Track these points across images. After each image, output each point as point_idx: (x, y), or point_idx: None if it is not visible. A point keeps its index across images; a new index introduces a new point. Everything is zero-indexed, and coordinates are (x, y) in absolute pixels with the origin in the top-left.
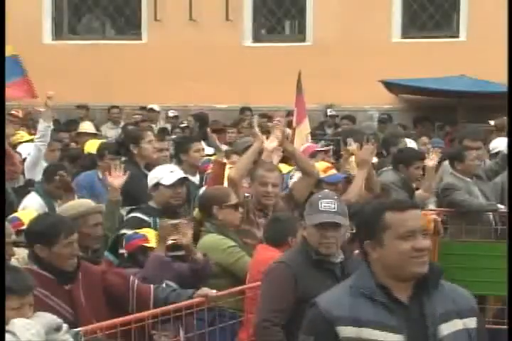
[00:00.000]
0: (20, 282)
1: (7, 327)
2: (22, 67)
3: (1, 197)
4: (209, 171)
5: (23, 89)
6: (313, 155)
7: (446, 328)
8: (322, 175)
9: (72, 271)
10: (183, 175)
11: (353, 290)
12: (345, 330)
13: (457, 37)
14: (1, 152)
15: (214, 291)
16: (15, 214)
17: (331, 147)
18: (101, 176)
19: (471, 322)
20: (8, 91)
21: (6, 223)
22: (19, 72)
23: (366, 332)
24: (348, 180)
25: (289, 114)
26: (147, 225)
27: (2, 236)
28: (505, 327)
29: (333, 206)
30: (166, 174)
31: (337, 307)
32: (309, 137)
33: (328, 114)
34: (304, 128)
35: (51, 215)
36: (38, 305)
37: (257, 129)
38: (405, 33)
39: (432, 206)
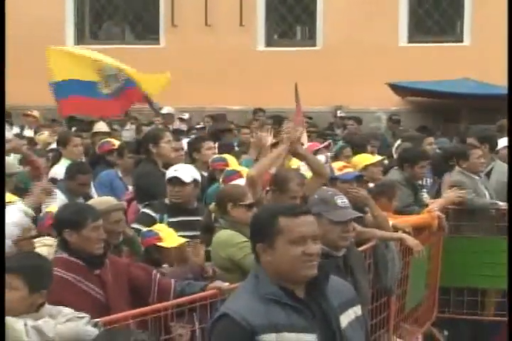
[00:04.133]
0: (24, 262)
1: (32, 324)
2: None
3: (1, 197)
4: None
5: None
6: (315, 153)
7: (344, 319)
8: (337, 173)
9: (100, 255)
10: (177, 175)
11: (260, 297)
12: (266, 338)
13: (461, 42)
14: (1, 152)
15: (226, 284)
16: (46, 210)
17: (330, 141)
18: (120, 174)
19: (358, 309)
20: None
21: (27, 218)
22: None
23: (285, 336)
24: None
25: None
26: (153, 221)
27: (2, 236)
28: (506, 319)
29: (346, 201)
30: (170, 171)
31: (253, 315)
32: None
33: (338, 115)
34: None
35: (77, 203)
36: (71, 290)
37: (285, 134)
38: (411, 38)
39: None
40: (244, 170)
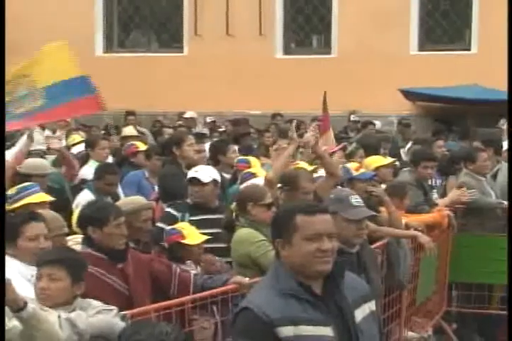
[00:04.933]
0: (65, 255)
1: (66, 316)
2: (91, 85)
3: (1, 197)
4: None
5: (95, 103)
6: (331, 156)
7: (359, 314)
8: (355, 174)
9: (123, 250)
10: (196, 175)
11: (279, 292)
12: (284, 330)
13: (469, 50)
14: (1, 152)
15: (247, 279)
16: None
17: (345, 143)
18: (147, 175)
19: (373, 305)
20: (82, 106)
21: (56, 215)
22: (91, 89)
23: (301, 329)
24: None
25: (315, 119)
26: (175, 219)
27: (2, 233)
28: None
29: (360, 200)
30: (191, 172)
31: (272, 309)
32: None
33: (351, 119)
34: (327, 139)
35: (100, 201)
36: (96, 283)
37: (294, 134)
38: (422, 47)
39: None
40: (262, 173)
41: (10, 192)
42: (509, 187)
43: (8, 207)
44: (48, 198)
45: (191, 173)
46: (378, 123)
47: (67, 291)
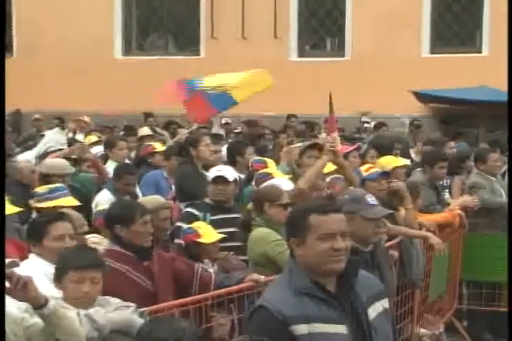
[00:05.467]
0: (82, 258)
1: (85, 312)
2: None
3: (1, 197)
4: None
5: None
6: (346, 156)
7: (372, 312)
8: (364, 175)
9: (149, 248)
10: (221, 174)
11: (294, 290)
12: (299, 328)
13: (480, 52)
14: (1, 152)
15: (262, 277)
16: (98, 209)
17: (359, 144)
18: (166, 175)
19: (386, 303)
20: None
21: (77, 214)
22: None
23: (316, 327)
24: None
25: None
26: (197, 219)
27: (2, 236)
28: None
29: (375, 199)
30: (213, 172)
31: (287, 307)
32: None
33: (362, 120)
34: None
35: (126, 200)
36: (122, 279)
37: (329, 145)
38: (433, 49)
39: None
40: (277, 173)
41: (41, 190)
42: (509, 187)
43: (37, 203)
44: (76, 203)
45: (215, 172)
46: (407, 123)
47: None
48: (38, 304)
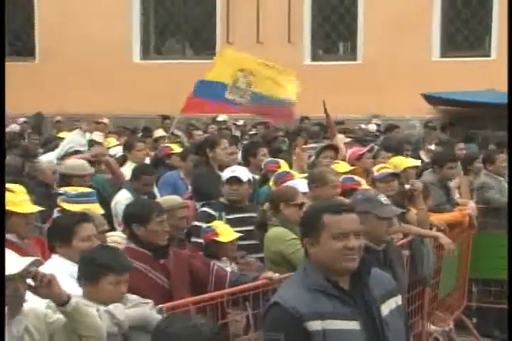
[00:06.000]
0: (119, 261)
1: (104, 309)
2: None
3: (1, 196)
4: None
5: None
6: (359, 158)
7: (385, 309)
8: (375, 174)
9: (165, 246)
10: (236, 175)
11: (308, 288)
12: (313, 325)
13: (489, 56)
14: (1, 152)
15: (277, 274)
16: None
17: (372, 145)
18: (182, 175)
19: (399, 300)
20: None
21: (97, 214)
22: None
23: (329, 323)
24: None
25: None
26: (213, 218)
27: (2, 235)
28: None
29: (387, 199)
30: (227, 173)
31: (301, 304)
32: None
33: (372, 122)
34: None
35: (143, 199)
36: (140, 277)
37: None
38: (443, 53)
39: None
40: (295, 173)
41: (71, 191)
42: (509, 187)
43: (64, 203)
44: (100, 211)
45: (229, 173)
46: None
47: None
48: (61, 301)
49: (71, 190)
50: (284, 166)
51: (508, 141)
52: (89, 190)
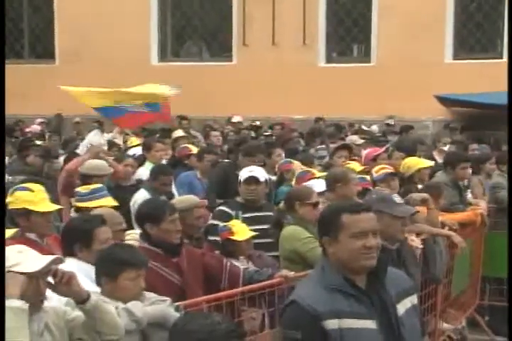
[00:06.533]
0: (136, 256)
1: (123, 306)
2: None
3: (1, 196)
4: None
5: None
6: (374, 159)
7: (401, 307)
8: (374, 176)
9: (177, 245)
10: (253, 175)
11: (325, 286)
12: (330, 323)
13: (501, 58)
14: (1, 152)
15: (292, 273)
16: None
17: (388, 146)
18: (199, 176)
19: (414, 299)
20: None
21: (115, 213)
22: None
23: (346, 322)
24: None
25: (354, 124)
26: (230, 217)
27: (2, 235)
28: None
29: (401, 198)
30: (245, 173)
31: (319, 303)
32: None
33: (386, 122)
34: None
35: (156, 199)
36: (153, 276)
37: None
38: (456, 55)
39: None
40: (316, 171)
41: (83, 190)
42: (509, 186)
43: (78, 203)
44: (114, 203)
45: (247, 173)
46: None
47: None
48: (81, 299)
49: (82, 189)
50: (297, 165)
51: (508, 141)
52: (99, 185)
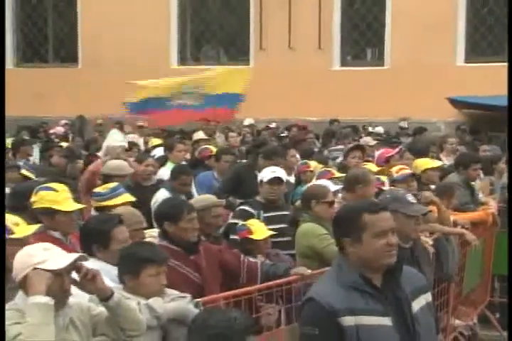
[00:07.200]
0: (157, 253)
1: (144, 302)
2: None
3: (1, 197)
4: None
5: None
6: (387, 160)
7: (416, 305)
8: (395, 176)
9: (195, 242)
10: (278, 175)
11: (342, 284)
12: (346, 320)
13: None
14: (1, 152)
15: (309, 271)
16: None
17: (401, 147)
18: (216, 176)
19: (428, 296)
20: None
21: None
22: (234, 105)
23: (362, 319)
24: None
25: (368, 126)
26: (252, 216)
27: (2, 236)
28: None
29: (414, 198)
30: (268, 173)
31: (336, 300)
32: None
33: (401, 125)
34: None
35: (174, 198)
36: (172, 273)
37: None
38: (468, 58)
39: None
40: (334, 171)
41: (101, 190)
42: (509, 186)
43: (97, 203)
44: (132, 199)
45: (270, 174)
46: (380, 129)
47: None
48: (105, 296)
49: (100, 189)
50: (313, 166)
51: (508, 141)
52: (115, 184)
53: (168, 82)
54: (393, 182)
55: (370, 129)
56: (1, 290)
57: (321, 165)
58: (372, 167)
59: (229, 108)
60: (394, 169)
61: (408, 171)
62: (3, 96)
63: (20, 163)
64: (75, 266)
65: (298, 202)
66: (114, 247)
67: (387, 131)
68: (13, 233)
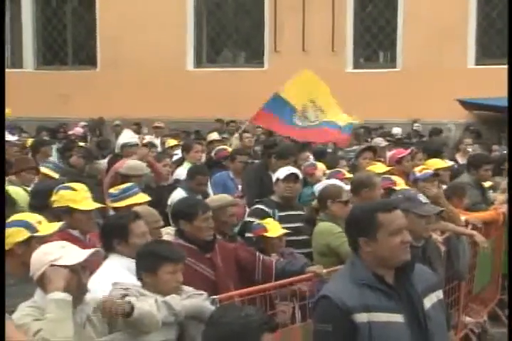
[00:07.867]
0: (175, 251)
1: (162, 299)
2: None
3: (1, 197)
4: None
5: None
6: (399, 161)
7: (427, 302)
8: (418, 174)
9: (210, 241)
10: (294, 171)
11: (355, 282)
12: (359, 317)
13: None
14: (0, 152)
15: (324, 271)
16: None
17: (413, 148)
18: (232, 176)
19: (440, 294)
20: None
21: (153, 210)
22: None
23: (375, 316)
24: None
25: (381, 127)
26: (267, 215)
27: (2, 235)
28: None
29: (425, 198)
30: (284, 171)
31: (349, 298)
32: None
33: (414, 128)
34: None
35: (190, 198)
36: (188, 271)
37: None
38: (478, 61)
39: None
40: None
41: (114, 191)
42: (509, 186)
43: (113, 203)
44: (147, 198)
45: (285, 171)
46: (399, 130)
47: None
48: (126, 313)
49: (113, 189)
50: (321, 168)
51: (508, 141)
52: (129, 184)
53: (302, 90)
54: (415, 181)
55: (390, 130)
56: (1, 290)
57: (324, 168)
58: (380, 167)
59: (341, 132)
60: (417, 169)
61: (430, 170)
62: (3, 96)
63: (46, 164)
64: (90, 261)
65: (314, 202)
66: (133, 241)
67: (408, 133)
68: (37, 231)
